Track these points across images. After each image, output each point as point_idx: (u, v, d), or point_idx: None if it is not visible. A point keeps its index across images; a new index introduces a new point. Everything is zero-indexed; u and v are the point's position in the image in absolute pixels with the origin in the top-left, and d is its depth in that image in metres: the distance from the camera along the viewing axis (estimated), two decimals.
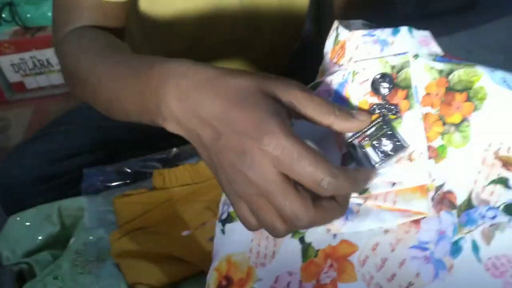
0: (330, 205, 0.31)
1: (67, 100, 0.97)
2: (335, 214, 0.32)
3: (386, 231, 0.35)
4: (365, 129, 0.36)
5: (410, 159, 0.35)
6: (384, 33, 0.38)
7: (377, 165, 0.35)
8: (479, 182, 0.33)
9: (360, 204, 0.36)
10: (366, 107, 0.37)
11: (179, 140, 0.67)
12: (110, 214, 0.58)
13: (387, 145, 0.35)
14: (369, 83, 0.38)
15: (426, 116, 0.36)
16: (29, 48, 1.28)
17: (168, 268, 0.52)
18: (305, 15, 0.78)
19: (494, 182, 0.32)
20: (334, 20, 0.43)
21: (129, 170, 0.63)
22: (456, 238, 0.32)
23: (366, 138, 0.36)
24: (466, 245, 0.32)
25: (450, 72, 0.36)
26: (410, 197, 0.35)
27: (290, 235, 0.37)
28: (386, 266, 0.33)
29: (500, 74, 0.34)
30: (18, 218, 0.58)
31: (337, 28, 0.41)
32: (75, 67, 0.49)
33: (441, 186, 0.34)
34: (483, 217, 0.32)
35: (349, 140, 0.37)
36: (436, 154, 0.35)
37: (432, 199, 0.34)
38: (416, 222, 0.34)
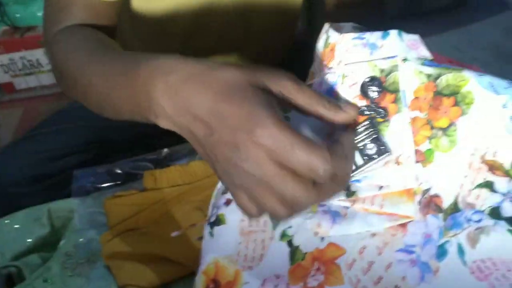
0: (328, 183, 0.31)
1: (57, 100, 0.96)
2: (334, 190, 0.32)
3: (373, 235, 0.35)
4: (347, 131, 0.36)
5: (397, 162, 0.36)
6: (373, 37, 0.38)
7: (359, 168, 0.35)
8: (465, 186, 0.33)
9: (347, 207, 0.36)
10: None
11: (170, 141, 0.68)
12: (101, 216, 0.58)
13: (371, 148, 0.36)
14: (358, 86, 0.38)
15: (414, 120, 0.36)
16: (18, 48, 1.27)
17: (159, 269, 0.52)
18: (299, 14, 0.78)
19: (480, 186, 0.33)
20: (325, 20, 0.43)
21: (119, 171, 0.62)
22: (442, 241, 0.33)
23: None
24: (452, 249, 0.32)
25: (438, 76, 0.36)
26: (397, 201, 0.35)
27: (278, 238, 0.38)
28: (373, 269, 0.34)
29: (487, 78, 0.34)
30: (7, 221, 0.57)
31: (327, 30, 0.41)
32: (66, 66, 0.49)
33: (428, 190, 0.35)
34: (469, 220, 0.32)
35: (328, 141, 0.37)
36: (424, 158, 0.35)
37: (419, 202, 0.35)
38: (403, 225, 0.35)
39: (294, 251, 0.37)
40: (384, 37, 0.38)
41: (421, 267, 0.33)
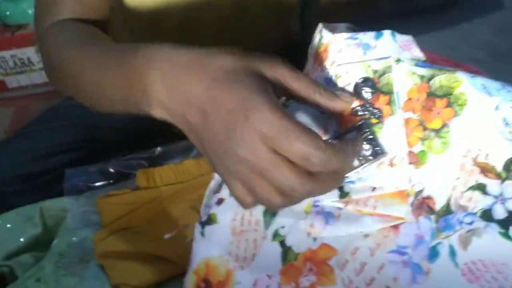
0: (325, 175, 0.31)
1: (49, 99, 0.95)
2: (331, 184, 0.32)
3: (366, 236, 0.35)
4: (345, 131, 0.36)
5: (391, 164, 0.36)
6: (366, 37, 0.38)
7: (354, 169, 0.35)
8: (457, 188, 0.34)
9: (340, 209, 0.36)
10: (348, 111, 0.38)
11: (163, 140, 0.67)
12: (94, 215, 0.57)
13: (367, 150, 0.36)
14: (351, 87, 0.38)
15: (407, 121, 0.36)
16: (9, 47, 1.26)
17: (152, 268, 0.52)
18: (293, 11, 0.78)
19: (472, 188, 0.33)
20: (320, 19, 0.43)
21: (112, 170, 0.62)
22: (434, 243, 0.33)
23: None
24: (444, 250, 0.32)
25: (431, 77, 0.36)
26: (390, 202, 0.35)
27: (270, 238, 0.38)
28: (365, 270, 0.34)
29: (480, 80, 0.34)
30: None
31: (321, 30, 0.41)
32: (58, 59, 0.48)
33: (420, 192, 0.35)
34: (461, 222, 0.33)
35: (329, 141, 0.37)
36: (417, 159, 0.35)
37: (412, 204, 0.35)
38: (395, 227, 0.35)
39: (286, 251, 0.37)
40: (377, 37, 0.38)
41: (413, 268, 0.33)
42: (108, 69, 0.39)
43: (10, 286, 0.51)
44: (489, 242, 0.31)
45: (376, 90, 0.37)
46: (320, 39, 0.40)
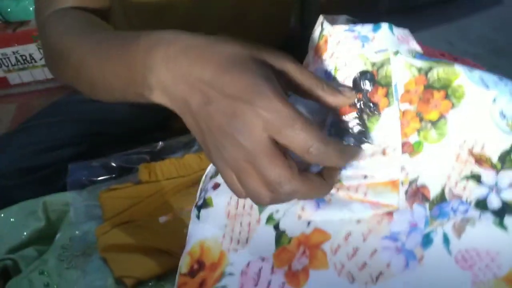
0: (316, 179, 0.31)
1: (51, 95, 0.96)
2: (319, 189, 0.32)
3: (358, 221, 0.35)
4: (339, 120, 0.37)
5: (383, 153, 0.36)
6: (364, 29, 0.39)
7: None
8: (452, 177, 0.34)
9: (331, 194, 0.37)
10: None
11: (164, 135, 0.68)
12: (96, 209, 0.58)
13: (352, 143, 0.36)
14: (350, 79, 0.38)
15: (404, 112, 0.37)
16: (11, 44, 1.26)
17: (154, 261, 0.52)
18: (293, 6, 0.78)
19: (467, 178, 0.33)
20: (318, 15, 0.44)
21: (114, 165, 0.62)
22: (427, 230, 0.33)
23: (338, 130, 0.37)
24: (437, 238, 0.33)
25: (429, 70, 0.36)
26: (381, 190, 0.35)
27: (264, 221, 0.38)
28: (358, 255, 0.34)
29: (477, 73, 0.35)
30: (2, 214, 0.57)
31: (322, 23, 0.41)
32: (58, 48, 0.48)
33: (415, 180, 0.35)
34: (455, 211, 0.33)
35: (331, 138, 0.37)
36: (412, 149, 0.36)
37: (406, 192, 0.35)
38: (389, 213, 0.35)
39: (280, 235, 0.37)
40: (375, 29, 0.38)
41: (406, 255, 0.33)
42: (109, 55, 0.39)
43: (14, 279, 0.51)
44: (483, 231, 0.31)
45: (375, 82, 0.38)
46: (320, 32, 0.41)
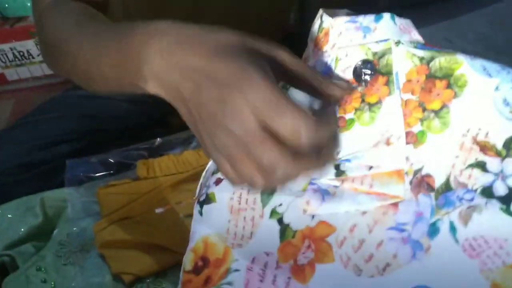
0: (309, 159, 0.31)
1: (49, 91, 0.95)
2: (314, 165, 0.31)
3: (363, 213, 0.35)
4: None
5: (387, 143, 0.36)
6: (366, 20, 0.39)
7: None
8: (457, 166, 0.33)
9: (336, 186, 0.36)
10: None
11: (163, 130, 0.68)
12: (94, 205, 0.58)
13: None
14: (351, 70, 0.38)
15: (406, 102, 0.36)
16: (8, 40, 1.25)
17: (153, 257, 0.52)
18: (293, 2, 0.78)
19: (472, 166, 0.33)
20: (317, 10, 0.43)
21: (112, 161, 0.62)
22: (433, 219, 0.33)
23: None
24: (444, 226, 0.32)
25: (431, 59, 0.36)
26: (387, 181, 0.35)
27: (268, 215, 0.38)
28: (364, 247, 0.34)
29: (479, 62, 0.35)
30: None
31: (321, 16, 0.41)
32: (55, 38, 0.48)
33: (419, 170, 0.35)
34: (461, 199, 0.32)
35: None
36: (415, 139, 0.36)
37: (411, 182, 0.35)
38: (394, 204, 0.35)
39: (284, 229, 0.37)
40: (377, 20, 0.38)
41: (412, 245, 0.33)
42: (104, 47, 0.39)
43: (11, 275, 0.51)
44: (490, 218, 0.31)
45: (376, 72, 0.37)
46: (320, 24, 0.41)
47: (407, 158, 0.35)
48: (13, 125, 0.71)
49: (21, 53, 1.29)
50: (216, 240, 0.38)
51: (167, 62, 0.32)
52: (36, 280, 0.50)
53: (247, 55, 0.30)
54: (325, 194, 0.36)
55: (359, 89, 0.38)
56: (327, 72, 0.39)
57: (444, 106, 0.35)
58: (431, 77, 0.36)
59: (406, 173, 0.35)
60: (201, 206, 0.40)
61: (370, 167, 0.36)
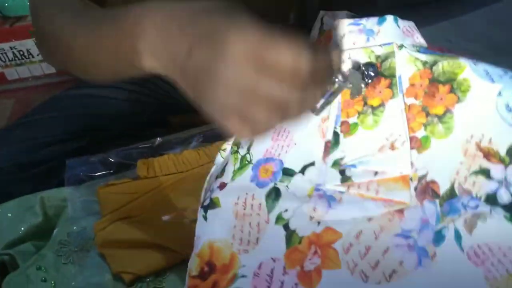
0: (311, 86, 0.31)
1: (49, 91, 0.95)
2: (321, 86, 0.32)
3: (369, 219, 0.35)
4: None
5: (392, 147, 0.36)
6: (369, 22, 0.39)
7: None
8: (461, 173, 0.34)
9: (342, 192, 0.36)
10: (349, 96, 0.38)
11: (163, 130, 0.68)
12: (94, 204, 0.58)
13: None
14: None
15: (410, 106, 0.36)
16: (8, 39, 1.25)
17: (153, 257, 0.52)
18: (293, 2, 0.78)
19: (476, 173, 0.33)
20: (318, 12, 0.43)
21: (112, 160, 0.62)
22: (439, 227, 0.33)
23: None
24: (449, 234, 0.32)
25: (434, 63, 0.36)
26: (393, 187, 0.35)
27: (274, 221, 0.38)
28: (370, 253, 0.34)
29: (482, 66, 0.35)
30: None
31: (322, 18, 0.41)
32: (51, 27, 0.48)
33: (424, 176, 0.35)
34: (466, 206, 0.33)
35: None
36: (420, 144, 0.35)
37: (415, 188, 0.35)
38: (400, 211, 0.35)
39: (290, 234, 0.37)
40: (380, 23, 0.38)
41: (418, 252, 0.33)
42: (100, 31, 0.40)
43: (11, 274, 0.51)
44: (494, 226, 0.31)
45: (378, 74, 0.37)
46: (321, 27, 0.41)
47: (411, 164, 0.35)
48: (13, 124, 0.70)
49: (21, 52, 1.28)
50: (222, 245, 0.38)
51: (161, 36, 0.33)
52: (36, 279, 0.50)
53: (233, 9, 0.31)
54: (331, 200, 0.36)
55: (363, 90, 0.38)
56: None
57: (447, 111, 0.35)
58: (434, 81, 0.36)
59: (411, 179, 0.35)
60: (206, 211, 0.40)
61: (376, 173, 0.36)
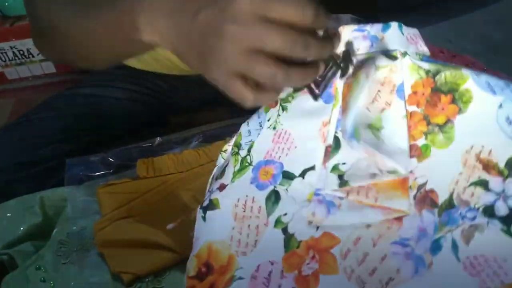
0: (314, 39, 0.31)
1: (49, 90, 0.95)
2: (327, 45, 0.33)
3: (368, 226, 0.35)
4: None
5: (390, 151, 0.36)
6: (374, 29, 0.39)
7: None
8: (460, 183, 0.34)
9: (342, 198, 0.36)
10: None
11: (163, 130, 0.68)
12: (94, 204, 0.58)
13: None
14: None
15: (411, 114, 0.37)
16: (8, 38, 1.24)
17: (152, 257, 0.52)
18: None
19: (474, 184, 0.33)
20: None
21: (112, 160, 0.62)
22: (436, 236, 0.33)
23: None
24: (446, 244, 0.33)
25: (437, 72, 0.36)
26: (392, 195, 0.35)
27: (272, 224, 0.38)
28: (368, 260, 0.34)
29: (484, 78, 0.35)
30: None
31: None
32: (47, 16, 0.48)
33: (423, 185, 0.35)
34: (463, 217, 0.33)
35: None
36: (420, 152, 0.36)
37: (414, 197, 0.35)
38: (398, 219, 0.35)
39: (289, 238, 0.37)
40: (384, 29, 0.38)
41: (415, 260, 0.33)
42: (98, 13, 0.41)
43: (10, 274, 0.51)
44: (491, 238, 0.31)
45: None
46: (324, 30, 0.41)
47: (411, 172, 0.35)
48: (12, 124, 0.70)
49: (21, 52, 1.28)
50: (220, 247, 0.38)
51: (160, 10, 0.34)
52: (35, 279, 0.50)
53: None
54: (330, 206, 0.37)
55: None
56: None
57: (448, 121, 0.35)
58: (436, 90, 0.36)
59: (410, 187, 0.35)
60: (205, 212, 0.40)
61: (374, 175, 0.36)
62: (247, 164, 0.41)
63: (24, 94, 1.26)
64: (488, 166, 0.33)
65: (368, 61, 0.38)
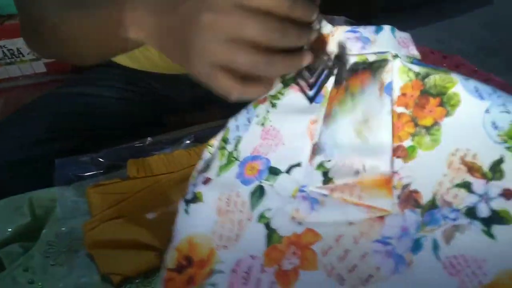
0: (292, 27, 0.32)
1: (39, 90, 0.94)
2: (306, 32, 0.33)
3: (350, 224, 0.36)
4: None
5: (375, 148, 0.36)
6: (367, 31, 0.39)
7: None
8: (444, 184, 0.34)
9: (325, 195, 0.37)
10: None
11: (155, 129, 0.67)
12: (83, 204, 0.57)
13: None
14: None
15: (399, 115, 0.37)
16: None
17: (142, 257, 0.52)
18: None
19: (458, 186, 0.34)
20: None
21: (102, 160, 0.62)
22: (418, 235, 0.34)
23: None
24: (427, 243, 0.33)
25: (427, 75, 0.37)
26: (376, 194, 0.36)
27: (256, 219, 0.38)
28: (348, 257, 0.35)
29: (472, 83, 0.35)
30: None
31: (319, 21, 0.41)
32: (38, 12, 0.48)
33: (408, 185, 0.36)
34: (445, 218, 0.33)
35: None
36: (406, 154, 0.36)
37: (398, 197, 0.36)
38: (381, 217, 0.35)
39: (271, 234, 0.37)
40: (377, 32, 0.39)
41: (396, 259, 0.34)
42: (87, 8, 0.41)
43: None
44: (471, 239, 0.32)
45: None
46: (318, 31, 0.41)
47: (396, 172, 0.36)
48: (1, 123, 0.69)
49: (11, 51, 1.27)
50: (201, 240, 0.38)
51: (145, 8, 0.35)
52: (23, 281, 0.50)
53: None
54: (314, 203, 0.37)
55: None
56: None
57: (435, 123, 0.36)
58: (425, 93, 0.37)
59: (394, 187, 0.35)
60: (187, 205, 0.40)
61: (357, 172, 0.36)
62: (233, 159, 0.41)
63: (14, 94, 1.25)
64: (472, 169, 0.34)
65: (365, 72, 0.38)
